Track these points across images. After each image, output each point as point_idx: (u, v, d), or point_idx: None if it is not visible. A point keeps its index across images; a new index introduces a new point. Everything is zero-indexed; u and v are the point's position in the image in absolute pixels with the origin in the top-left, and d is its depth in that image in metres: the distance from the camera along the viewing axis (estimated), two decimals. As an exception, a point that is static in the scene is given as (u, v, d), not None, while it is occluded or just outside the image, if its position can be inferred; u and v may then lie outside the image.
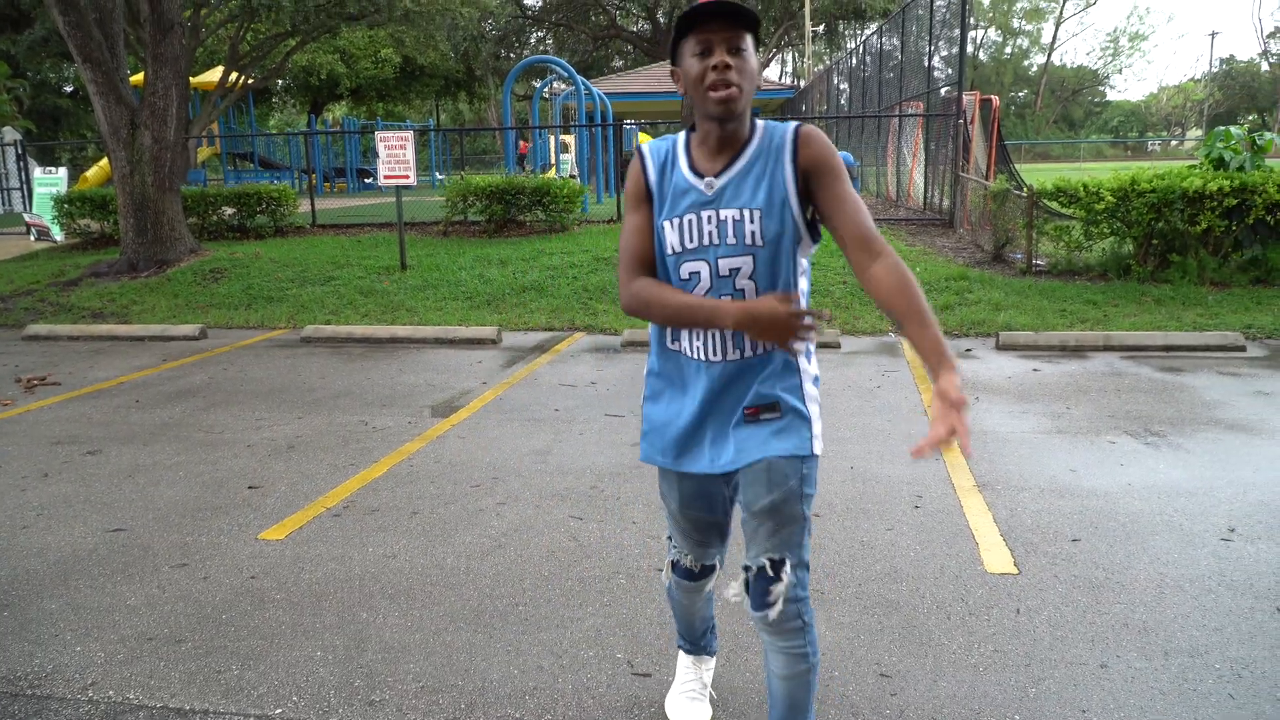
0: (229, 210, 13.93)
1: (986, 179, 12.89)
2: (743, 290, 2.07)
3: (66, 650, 3.19)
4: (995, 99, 14.48)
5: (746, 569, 2.19)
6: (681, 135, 2.18)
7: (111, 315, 9.95)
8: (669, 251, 2.10)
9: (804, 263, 2.14)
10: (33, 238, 15.23)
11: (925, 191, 14.79)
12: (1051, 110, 71.14)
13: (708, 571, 2.49)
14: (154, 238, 11.79)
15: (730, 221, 2.05)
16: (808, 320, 1.89)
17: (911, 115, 15.88)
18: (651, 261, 2.15)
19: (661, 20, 40.78)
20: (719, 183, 2.07)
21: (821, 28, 41.72)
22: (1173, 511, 4.18)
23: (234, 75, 23.53)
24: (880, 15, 34.34)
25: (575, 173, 18.90)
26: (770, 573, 2.13)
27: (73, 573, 3.81)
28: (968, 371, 6.90)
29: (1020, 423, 5.61)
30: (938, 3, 14.75)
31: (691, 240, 2.08)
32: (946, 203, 13.51)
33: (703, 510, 2.33)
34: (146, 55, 11.71)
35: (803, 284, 2.13)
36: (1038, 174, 14.75)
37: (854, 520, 4.17)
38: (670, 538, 2.48)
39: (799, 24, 39.27)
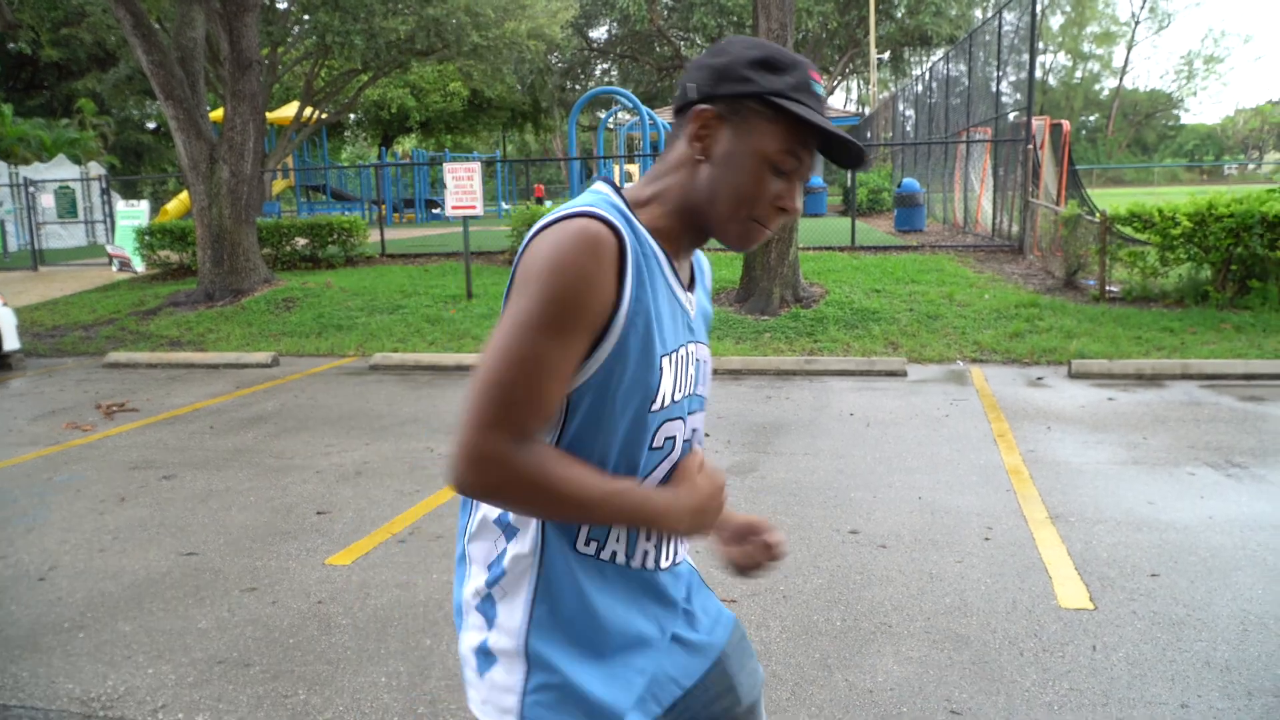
0: (302, 241, 14.28)
1: (1057, 204, 12.65)
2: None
3: (139, 672, 3.25)
4: (1065, 124, 14.23)
5: None
6: (627, 212, 1.29)
7: (188, 343, 10.23)
8: (654, 406, 1.29)
9: None
10: (115, 268, 15.75)
11: (994, 217, 14.59)
12: (1124, 134, 69.65)
13: None
14: (230, 268, 12.12)
15: (703, 362, 1.42)
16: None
17: (980, 141, 15.69)
18: (552, 421, 1.25)
19: (725, 50, 40.84)
20: (693, 301, 1.41)
21: (887, 55, 41.55)
22: (1256, 546, 4.02)
23: (308, 110, 24.19)
24: (946, 42, 34.08)
25: None
26: None
27: (146, 595, 3.89)
28: (1039, 400, 6.75)
29: (1095, 453, 5.46)
30: (1005, 28, 14.60)
31: (681, 389, 1.35)
32: (1015, 229, 13.29)
33: None
34: (225, 92, 12.12)
35: None
36: (1110, 199, 14.42)
37: (922, 552, 4.08)
38: None
39: (864, 51, 39.16)
